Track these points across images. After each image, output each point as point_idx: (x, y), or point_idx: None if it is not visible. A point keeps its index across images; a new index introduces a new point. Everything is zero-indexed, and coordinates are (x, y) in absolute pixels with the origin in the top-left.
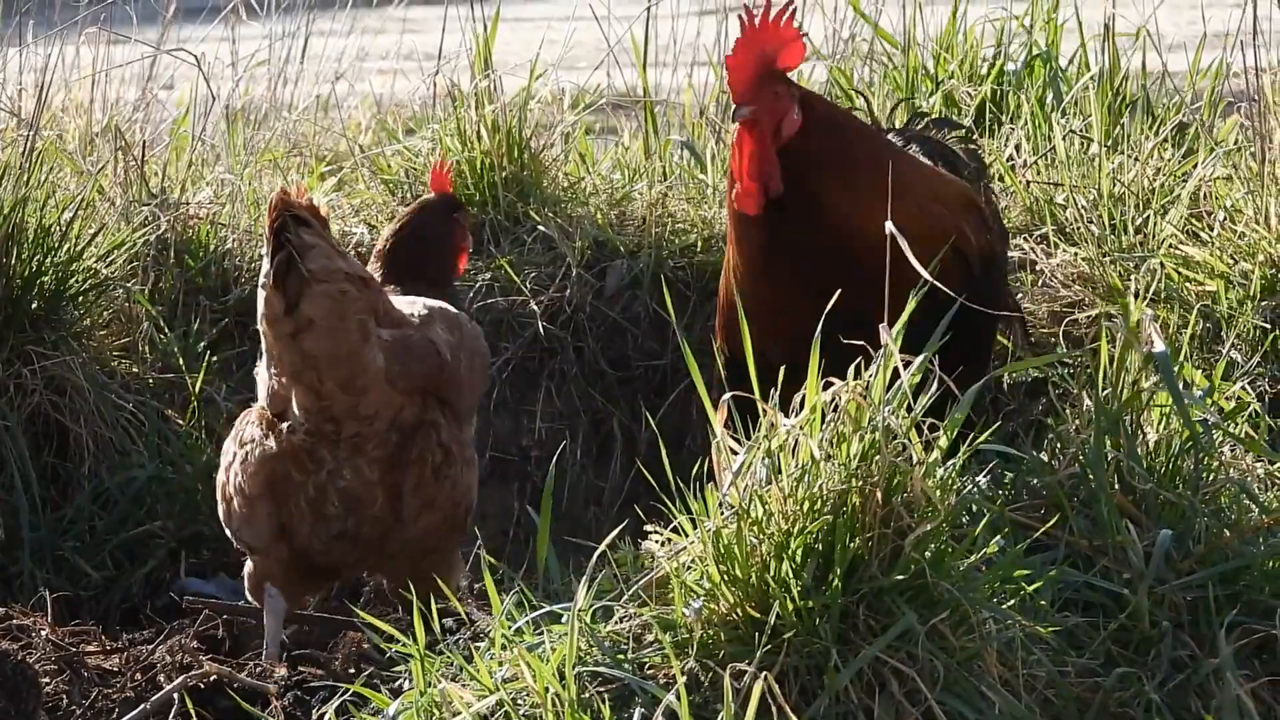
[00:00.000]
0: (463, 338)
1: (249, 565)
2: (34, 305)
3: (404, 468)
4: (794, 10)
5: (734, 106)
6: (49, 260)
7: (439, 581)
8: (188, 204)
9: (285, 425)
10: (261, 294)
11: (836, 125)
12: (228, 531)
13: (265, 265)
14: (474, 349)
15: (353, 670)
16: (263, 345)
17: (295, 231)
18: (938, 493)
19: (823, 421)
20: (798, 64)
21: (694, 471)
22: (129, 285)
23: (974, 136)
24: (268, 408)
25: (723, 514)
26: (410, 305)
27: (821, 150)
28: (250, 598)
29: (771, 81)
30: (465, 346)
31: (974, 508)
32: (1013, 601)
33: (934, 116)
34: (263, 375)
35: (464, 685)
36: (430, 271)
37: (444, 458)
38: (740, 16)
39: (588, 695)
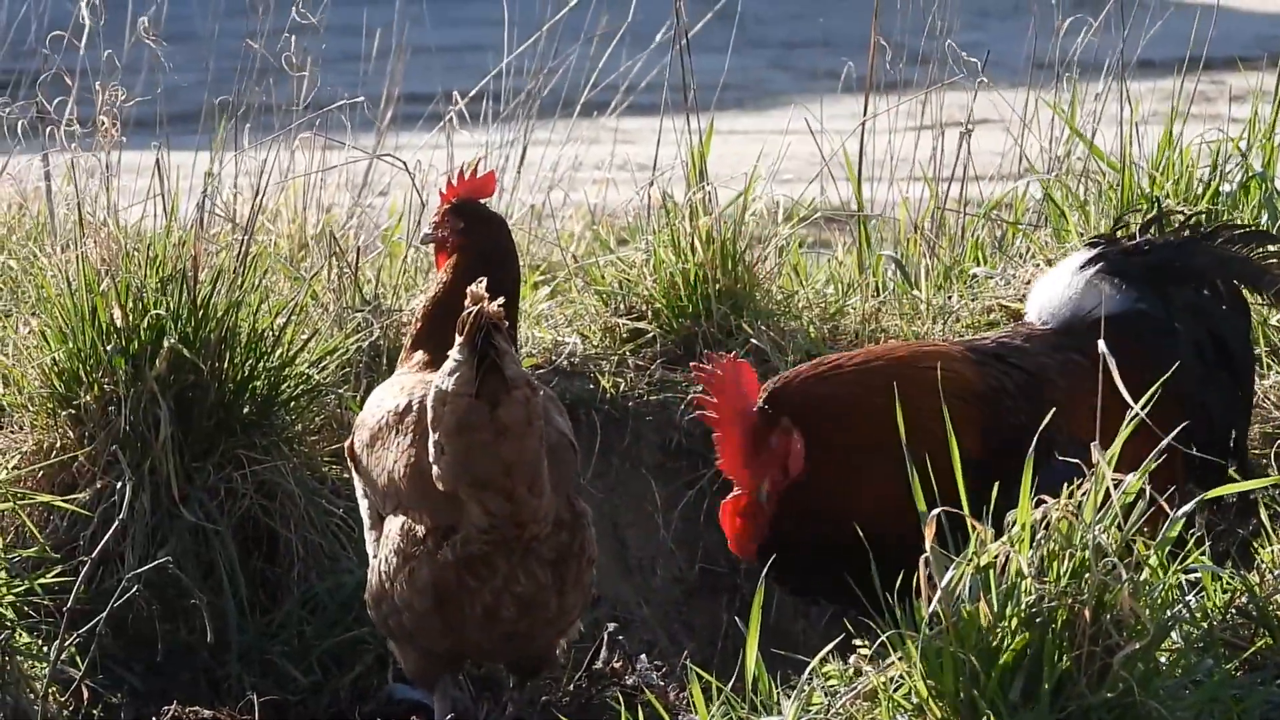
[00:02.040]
0: (561, 412)
1: (412, 658)
2: (246, 410)
3: (568, 563)
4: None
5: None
6: (261, 365)
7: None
8: (400, 310)
9: (460, 536)
10: (455, 402)
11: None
12: (384, 630)
13: (456, 372)
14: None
15: None
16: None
17: (493, 340)
18: (1147, 611)
19: (1032, 539)
20: None
21: (901, 585)
22: (341, 391)
23: None
24: (429, 519)
25: (930, 628)
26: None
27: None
28: (416, 682)
29: (765, 435)
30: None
31: (1184, 627)
32: None
33: (1248, 230)
34: (408, 482)
35: None
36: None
37: (592, 546)
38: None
39: None
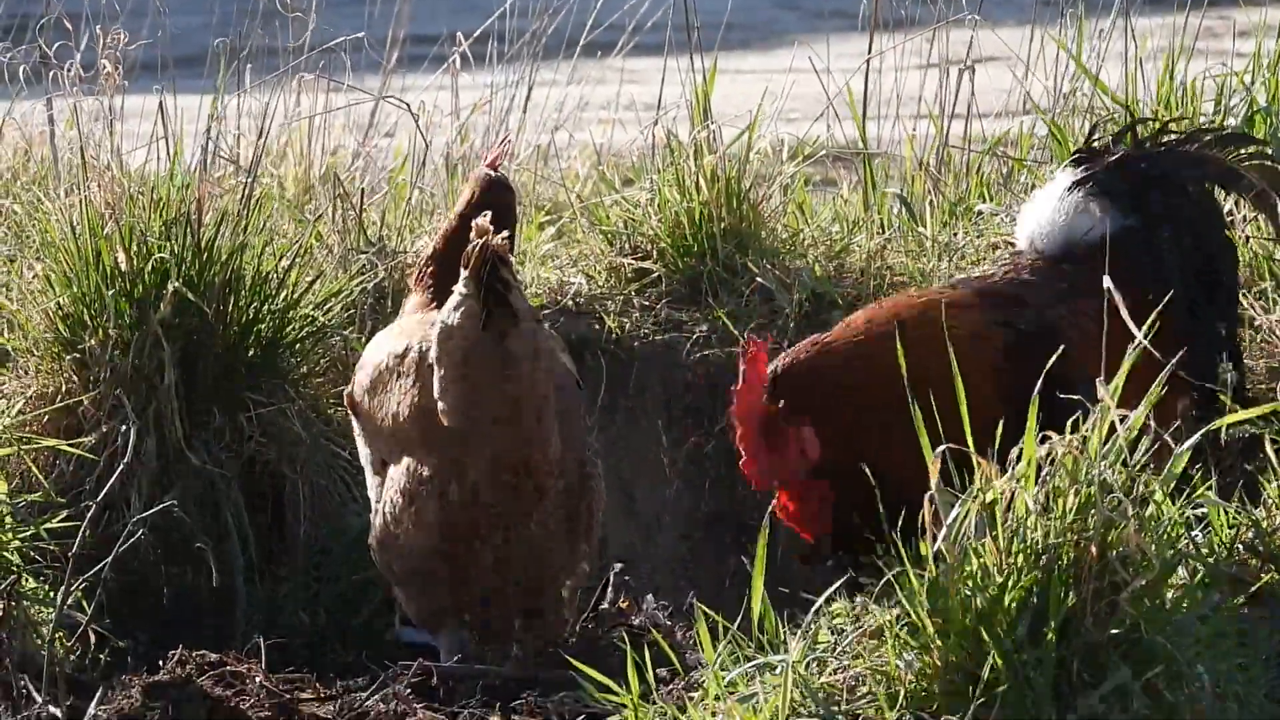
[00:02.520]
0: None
1: (417, 603)
2: (250, 353)
3: (578, 511)
4: None
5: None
6: (266, 308)
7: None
8: (405, 252)
9: (466, 473)
10: (462, 336)
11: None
12: (389, 576)
13: (462, 306)
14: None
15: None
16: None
17: (500, 273)
18: (1153, 547)
19: (1038, 476)
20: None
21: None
22: (346, 333)
23: (1268, 154)
24: (436, 459)
25: (937, 567)
26: None
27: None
28: (422, 627)
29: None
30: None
31: (1189, 563)
32: (1227, 657)
33: (1230, 132)
34: (411, 423)
35: None
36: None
37: (600, 493)
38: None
39: None
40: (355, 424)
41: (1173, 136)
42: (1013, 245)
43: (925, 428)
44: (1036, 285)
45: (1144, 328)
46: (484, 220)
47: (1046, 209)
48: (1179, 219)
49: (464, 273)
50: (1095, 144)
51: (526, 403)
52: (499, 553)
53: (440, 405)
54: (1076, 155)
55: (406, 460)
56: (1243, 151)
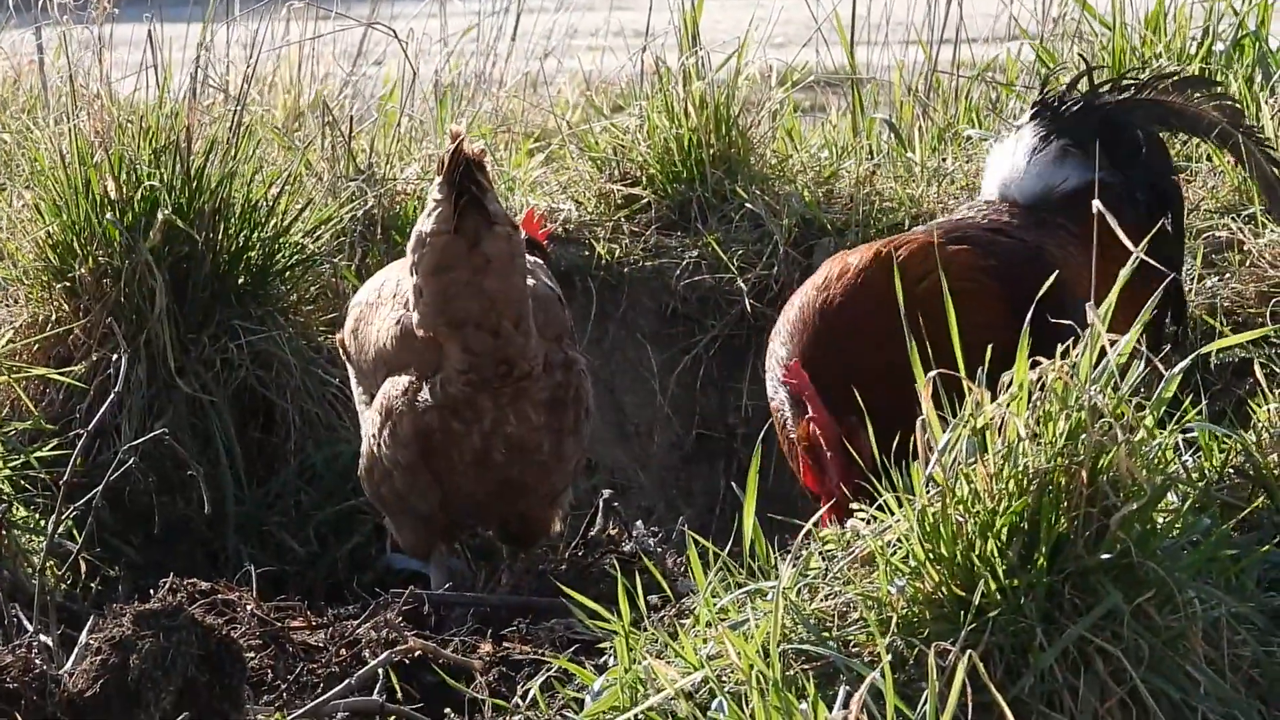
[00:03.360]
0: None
1: (407, 530)
2: (241, 280)
3: (564, 408)
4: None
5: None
6: (256, 235)
7: (547, 525)
8: (395, 180)
9: (440, 377)
10: (433, 241)
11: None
12: (377, 503)
13: (436, 211)
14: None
15: (558, 646)
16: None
17: (474, 177)
18: (1144, 472)
19: (1029, 400)
20: None
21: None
22: (335, 260)
23: (1229, 94)
24: (414, 372)
25: (928, 492)
26: None
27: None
28: (412, 555)
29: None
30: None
31: (1180, 487)
32: (1219, 581)
33: (1186, 76)
34: (387, 343)
35: (668, 662)
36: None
37: (589, 395)
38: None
39: (792, 673)
40: (349, 368)
41: (1131, 83)
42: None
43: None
44: (1021, 226)
45: (1139, 245)
46: (458, 127)
47: (1019, 160)
48: (1142, 166)
49: (438, 179)
50: (1049, 95)
51: (503, 304)
52: (480, 456)
53: (414, 316)
54: (1037, 106)
55: (387, 382)
56: (1200, 94)
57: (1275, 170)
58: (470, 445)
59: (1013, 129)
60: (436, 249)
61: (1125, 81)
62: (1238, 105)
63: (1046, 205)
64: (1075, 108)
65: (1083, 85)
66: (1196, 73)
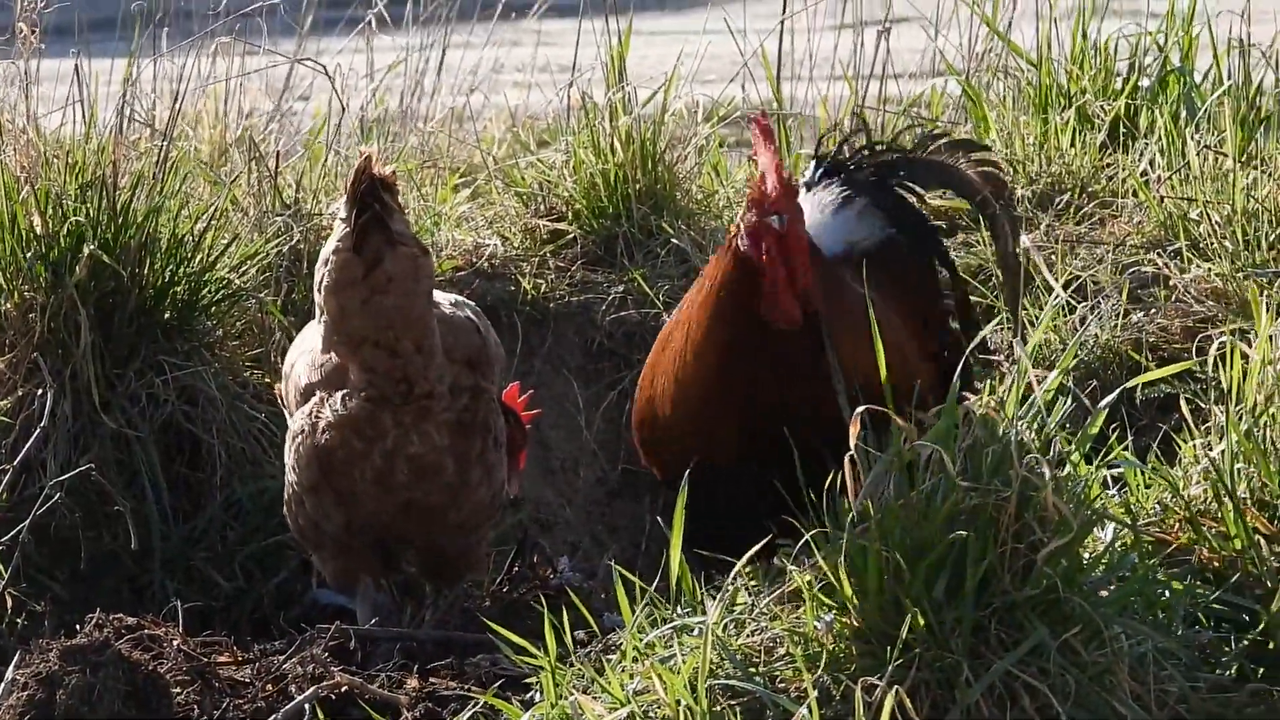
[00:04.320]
0: (487, 327)
1: (332, 565)
2: (167, 315)
3: (470, 433)
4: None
5: (764, 214)
6: (182, 270)
7: (468, 564)
8: (321, 215)
9: (341, 395)
10: (334, 259)
11: (819, 253)
12: (298, 536)
13: (339, 230)
14: (495, 340)
15: (484, 682)
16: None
17: (380, 196)
18: (1070, 507)
19: (956, 435)
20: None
21: (828, 484)
22: (262, 296)
23: (994, 158)
24: (320, 390)
25: (854, 527)
26: (439, 295)
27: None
28: (337, 587)
29: (795, 192)
30: (490, 334)
31: (1106, 523)
32: (1145, 616)
33: (953, 138)
34: (303, 371)
35: (595, 697)
36: None
37: (498, 427)
38: (755, 119)
39: (719, 708)
40: (286, 416)
41: (905, 143)
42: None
43: None
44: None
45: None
46: (370, 149)
47: (818, 217)
48: (922, 225)
49: (343, 197)
50: (820, 153)
51: (401, 323)
52: (381, 475)
53: (321, 332)
54: (827, 164)
55: (300, 409)
56: (968, 158)
57: (1016, 250)
58: (371, 464)
59: (802, 184)
60: (337, 266)
61: (898, 143)
62: (1002, 174)
63: (848, 260)
64: (862, 164)
65: (859, 141)
66: (1123, 110)
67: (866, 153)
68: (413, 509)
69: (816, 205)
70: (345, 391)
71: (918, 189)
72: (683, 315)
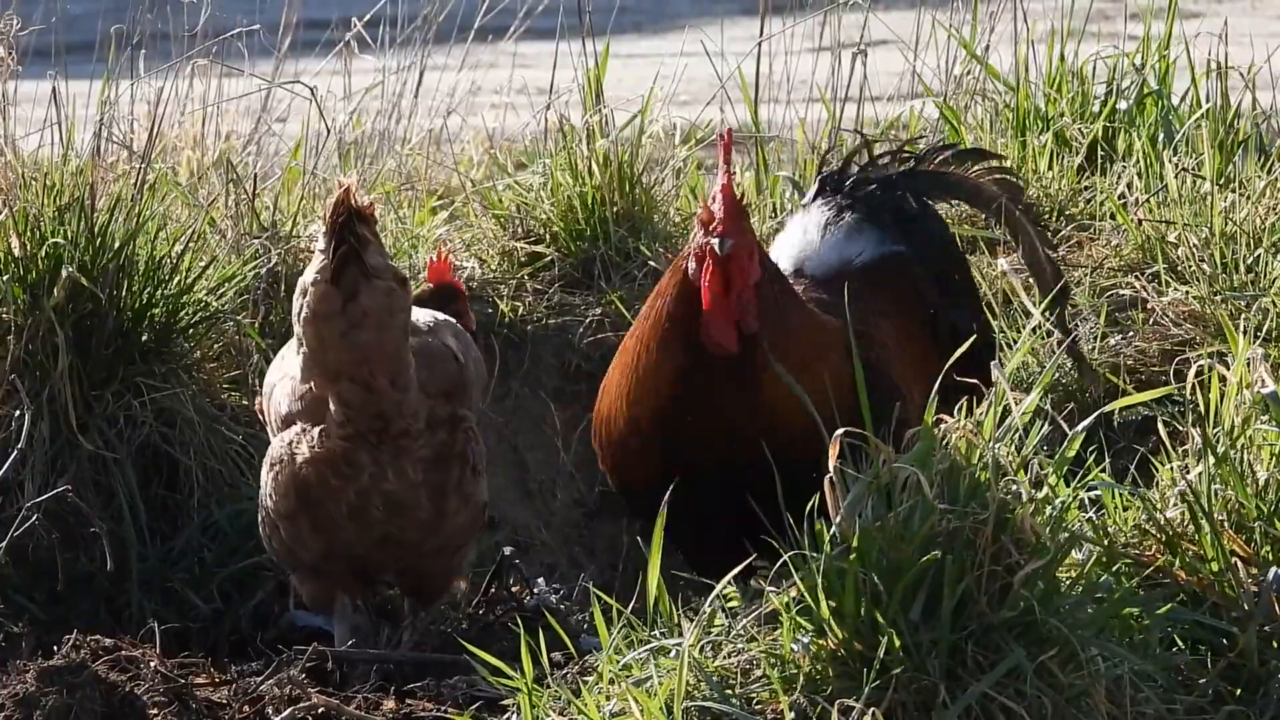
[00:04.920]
0: (466, 345)
1: (309, 585)
2: (144, 337)
3: (447, 466)
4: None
5: (713, 238)
6: (159, 293)
7: (448, 581)
8: (298, 237)
9: (318, 429)
10: (312, 290)
11: (779, 276)
12: (274, 556)
13: (318, 262)
14: (475, 357)
15: (461, 704)
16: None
17: (356, 229)
18: (1047, 530)
19: (934, 458)
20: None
21: (807, 507)
22: (239, 318)
23: (1007, 165)
24: (300, 421)
25: (832, 549)
26: (417, 313)
27: (768, 301)
28: (314, 607)
29: (746, 215)
30: (470, 354)
31: (1084, 545)
32: (1122, 639)
33: (965, 148)
34: (283, 398)
35: (571, 719)
36: None
37: (476, 454)
38: (720, 135)
39: None
40: (269, 432)
41: (910, 155)
42: None
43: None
44: (828, 294)
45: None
46: (349, 179)
47: (813, 236)
48: (930, 238)
49: (322, 228)
50: (825, 169)
51: (375, 358)
52: (356, 510)
53: (299, 363)
54: (823, 181)
55: (279, 434)
56: (978, 167)
57: (1047, 252)
58: (347, 500)
59: (801, 205)
60: (314, 299)
61: (904, 154)
62: (1017, 180)
63: (842, 278)
64: (860, 181)
65: (863, 158)
66: (1101, 133)
67: (870, 168)
68: (389, 541)
69: (814, 224)
70: (323, 427)
71: (925, 200)
72: (634, 330)
